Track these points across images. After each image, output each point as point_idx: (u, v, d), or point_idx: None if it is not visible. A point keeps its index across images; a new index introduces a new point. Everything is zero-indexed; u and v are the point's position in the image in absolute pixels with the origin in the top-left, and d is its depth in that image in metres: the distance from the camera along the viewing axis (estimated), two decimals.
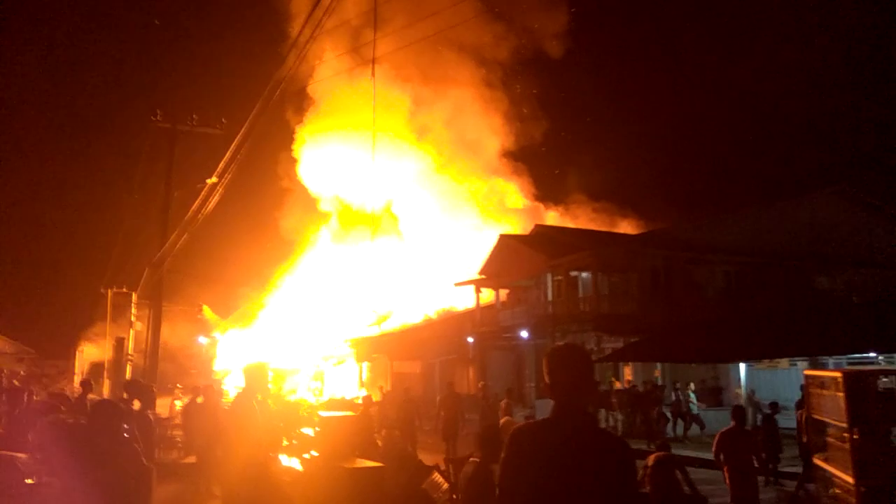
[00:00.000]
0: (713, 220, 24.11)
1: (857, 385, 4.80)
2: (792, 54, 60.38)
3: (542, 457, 2.23)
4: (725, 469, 6.18)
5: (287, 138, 37.46)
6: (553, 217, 35.51)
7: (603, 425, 18.29)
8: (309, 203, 37.46)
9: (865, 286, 24.23)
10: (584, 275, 24.37)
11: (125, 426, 4.62)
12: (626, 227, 33.53)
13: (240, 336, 35.82)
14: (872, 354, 15.89)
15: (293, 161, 37.45)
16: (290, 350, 29.55)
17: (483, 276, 28.11)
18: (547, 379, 2.45)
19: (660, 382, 19.57)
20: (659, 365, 20.43)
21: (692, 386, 18.41)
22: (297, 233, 37.86)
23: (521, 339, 24.11)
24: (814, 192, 24.74)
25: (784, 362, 19.55)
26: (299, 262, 37.19)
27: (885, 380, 4.88)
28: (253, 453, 5.74)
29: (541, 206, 37.38)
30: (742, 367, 18.26)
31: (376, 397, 18.30)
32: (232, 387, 23.97)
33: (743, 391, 18.01)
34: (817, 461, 5.53)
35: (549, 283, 25.24)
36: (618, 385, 19.66)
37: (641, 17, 66.14)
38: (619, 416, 18.37)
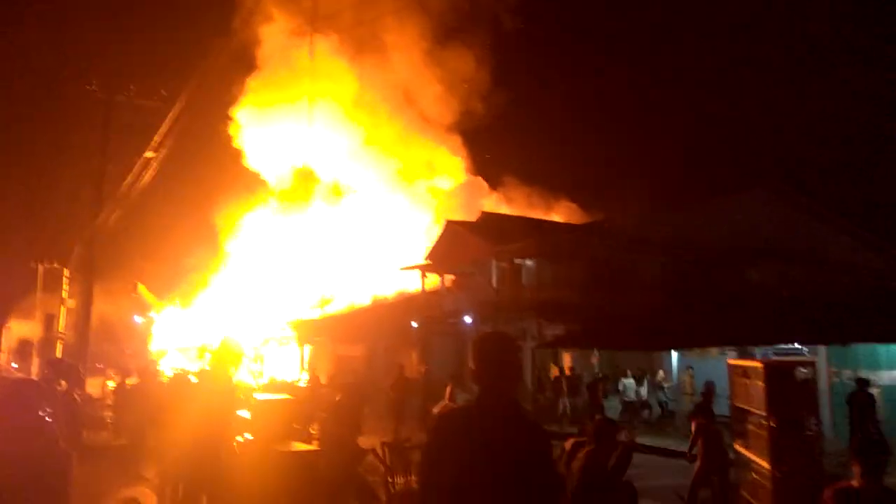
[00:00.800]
0: (652, 214, 24.76)
1: (777, 375, 5.02)
2: (733, 52, 62.18)
3: (463, 442, 2.24)
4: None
5: (228, 112, 36.32)
6: (492, 201, 35.59)
7: (560, 411, 18.78)
8: (251, 180, 36.59)
9: (793, 280, 25.35)
10: (528, 262, 24.68)
11: (47, 408, 4.44)
12: (563, 214, 34.05)
13: (177, 316, 34.92)
14: (798, 346, 16.61)
15: (235, 136, 36.41)
16: (230, 331, 29.03)
17: (429, 262, 28.15)
18: (473, 365, 2.47)
19: (597, 370, 20.09)
20: (596, 352, 20.93)
21: (628, 373, 18.97)
22: (238, 211, 36.95)
23: (464, 324, 24.28)
24: (747, 190, 25.62)
25: (714, 351, 20.31)
26: (240, 241, 36.40)
27: (803, 371, 5.11)
28: (203, 433, 5.61)
29: (482, 181, 37.20)
30: (674, 355, 18.88)
31: (321, 379, 18.20)
32: (168, 368, 23.40)
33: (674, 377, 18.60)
34: (738, 447, 5.77)
35: (494, 270, 25.48)
36: (555, 372, 20.07)
37: (590, 2, 66.80)
38: (568, 401, 18.80)
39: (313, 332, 28.93)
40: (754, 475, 5.36)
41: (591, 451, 4.72)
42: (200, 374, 7.39)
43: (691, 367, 18.38)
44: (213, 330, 28.57)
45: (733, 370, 5.82)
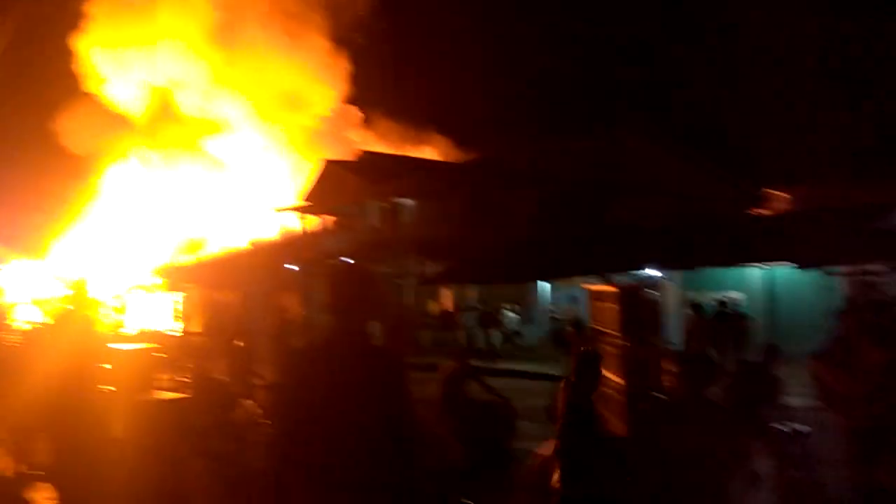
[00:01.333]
0: (526, 150, 25.38)
1: (628, 297, 5.36)
2: None
3: (316, 376, 2.21)
4: None
5: (73, 38, 32.64)
6: (368, 139, 35.02)
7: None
8: (108, 116, 33.50)
9: (653, 212, 27.15)
10: (407, 201, 24.74)
11: None
12: (438, 151, 34.19)
13: (30, 266, 32.09)
14: (656, 273, 17.84)
15: (84, 63, 32.85)
16: (91, 280, 27.06)
17: (307, 203, 27.49)
18: (327, 299, 2.42)
19: (475, 303, 20.71)
20: (473, 287, 21.56)
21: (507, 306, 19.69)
22: (96, 149, 33.87)
23: (345, 264, 24.11)
24: (614, 127, 26.83)
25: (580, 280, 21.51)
26: (100, 182, 33.65)
27: (650, 292, 5.49)
28: (63, 383, 5.28)
29: (355, 111, 36.36)
30: (547, 286, 19.81)
31: (195, 328, 17.52)
32: (23, 321, 21.54)
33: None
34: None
35: (374, 210, 25.35)
36: (435, 308, 20.48)
37: None
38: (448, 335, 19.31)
39: (185, 278, 27.62)
40: (609, 391, 5.76)
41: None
42: (57, 321, 6.87)
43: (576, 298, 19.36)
44: (71, 279, 26.56)
45: (590, 295, 6.16)
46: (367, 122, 36.83)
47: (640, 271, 17.33)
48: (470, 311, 21.09)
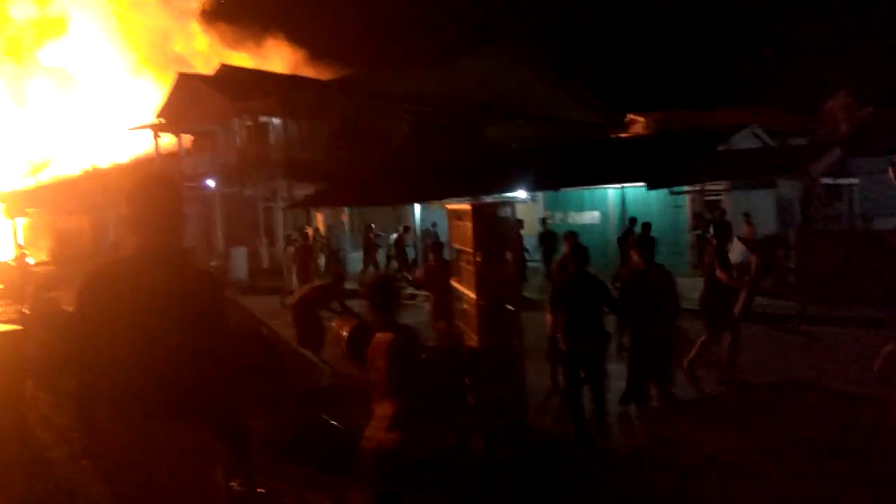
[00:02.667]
0: (397, 71, 24.82)
1: (482, 215, 5.49)
2: None
3: (122, 293, 2.08)
4: None
5: None
6: (233, 55, 32.98)
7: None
8: None
9: (521, 136, 27.81)
10: (274, 120, 23.63)
11: None
12: (310, 70, 32.89)
13: None
14: (524, 195, 18.42)
15: None
16: None
17: (162, 120, 25.53)
18: (128, 214, 2.25)
19: (346, 227, 20.50)
20: (346, 210, 21.28)
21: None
22: None
23: (207, 188, 22.89)
24: (484, 49, 26.78)
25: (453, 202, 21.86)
26: None
27: (503, 211, 5.65)
28: None
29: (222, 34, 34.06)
30: (418, 208, 19.89)
31: (40, 256, 16.11)
32: None
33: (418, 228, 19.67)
34: (453, 283, 6.33)
35: (238, 129, 24.02)
36: (310, 231, 19.97)
37: None
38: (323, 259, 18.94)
39: (27, 203, 25.15)
40: (465, 305, 5.95)
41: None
42: None
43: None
44: None
45: (450, 214, 6.25)
46: (239, 39, 34.47)
47: (509, 192, 17.88)
48: (342, 233, 20.88)
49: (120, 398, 2.03)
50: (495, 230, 5.55)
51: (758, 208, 15.62)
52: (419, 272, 7.96)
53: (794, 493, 3.24)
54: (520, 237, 14.99)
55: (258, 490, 2.27)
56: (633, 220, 13.58)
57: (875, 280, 9.04)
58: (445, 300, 6.97)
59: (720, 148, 14.22)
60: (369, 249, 17.43)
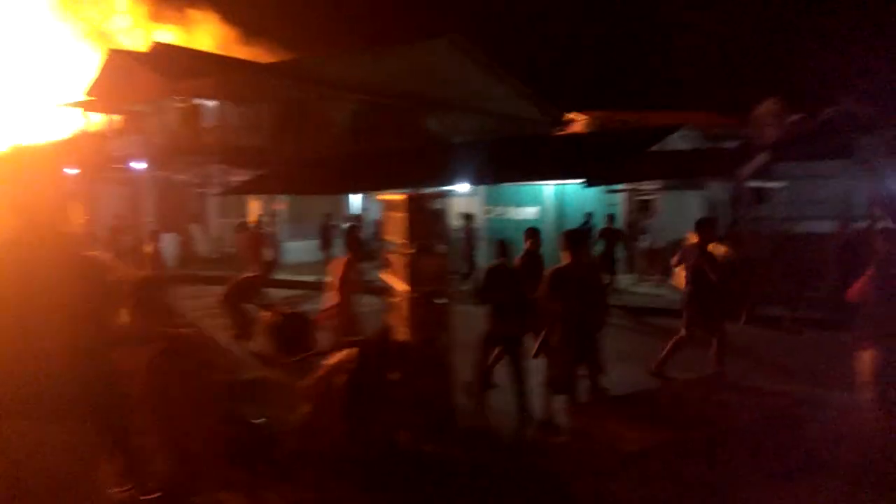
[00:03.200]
0: (342, 58, 24.40)
1: (416, 206, 5.40)
2: None
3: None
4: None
5: None
6: (170, 33, 31.77)
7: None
8: None
9: (465, 128, 27.82)
10: (209, 103, 22.86)
11: None
12: (254, 54, 32.01)
13: None
14: (465, 188, 18.39)
15: None
16: None
17: (91, 98, 24.36)
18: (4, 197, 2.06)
19: (282, 216, 20.04)
20: (283, 198, 20.81)
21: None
22: None
23: (136, 171, 21.98)
24: (431, 40, 26.60)
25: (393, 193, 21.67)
26: None
27: (436, 202, 5.57)
28: None
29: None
30: (359, 199, 19.68)
31: None
32: None
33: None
34: (382, 276, 6.22)
35: (172, 111, 23.13)
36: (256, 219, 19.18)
37: None
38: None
39: None
40: (395, 298, 5.85)
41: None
42: None
43: None
44: None
45: (384, 205, 6.13)
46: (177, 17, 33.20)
47: (449, 185, 17.84)
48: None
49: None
50: (429, 222, 5.47)
51: (688, 209, 16.08)
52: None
53: (704, 486, 3.30)
54: (472, 231, 15.14)
55: (149, 496, 2.12)
56: (589, 215, 13.79)
57: (793, 280, 9.40)
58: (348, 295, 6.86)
59: (654, 149, 14.54)
60: (328, 240, 16.76)
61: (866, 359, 4.25)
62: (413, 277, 5.47)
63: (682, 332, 6.89)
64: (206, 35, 33.33)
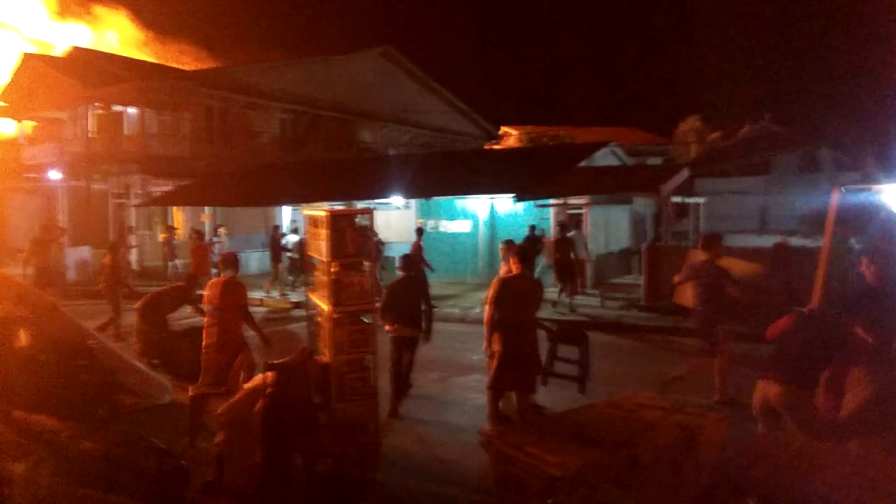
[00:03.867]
0: (271, 66, 23.88)
1: (339, 223, 5.22)
2: None
3: None
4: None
5: None
6: (91, 37, 30.44)
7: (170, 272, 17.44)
8: None
9: (400, 141, 27.71)
10: (130, 110, 21.91)
11: None
12: (180, 62, 31.05)
13: None
14: (400, 202, 18.23)
15: None
16: None
17: (2, 103, 22.98)
18: None
19: (208, 227, 19.36)
20: (208, 210, 20.10)
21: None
22: None
23: (50, 180, 20.79)
24: (363, 51, 26.42)
25: (324, 206, 21.29)
26: None
27: (362, 218, 5.41)
28: None
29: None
30: (287, 210, 19.21)
31: None
32: None
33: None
34: (309, 294, 6.00)
35: (89, 118, 22.03)
36: (164, 235, 18.45)
37: None
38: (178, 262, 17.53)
39: None
40: (318, 318, 5.65)
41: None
42: None
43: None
44: None
45: (308, 220, 5.92)
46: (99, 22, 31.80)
47: (382, 198, 17.65)
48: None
49: None
50: (353, 239, 5.29)
51: (615, 223, 16.45)
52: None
53: None
54: (421, 248, 14.92)
55: None
56: (532, 227, 13.82)
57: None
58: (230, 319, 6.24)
59: (582, 164, 14.79)
60: (276, 253, 15.96)
61: (771, 392, 4.27)
62: (335, 296, 5.28)
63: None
64: (126, 39, 32.07)
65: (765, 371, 4.41)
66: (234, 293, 6.06)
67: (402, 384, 6.87)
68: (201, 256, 14.58)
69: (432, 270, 12.53)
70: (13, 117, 23.45)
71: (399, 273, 7.21)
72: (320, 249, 5.48)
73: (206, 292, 6.11)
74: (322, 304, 5.53)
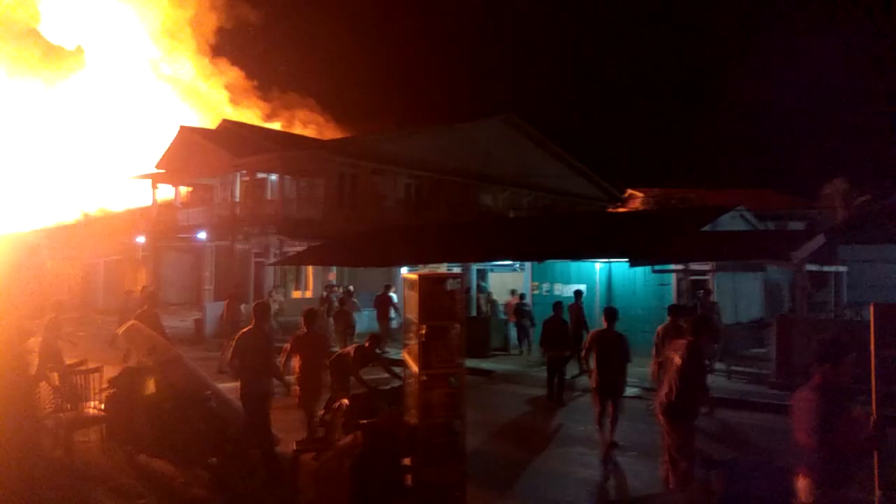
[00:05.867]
0: (398, 134, 25.17)
1: (428, 286, 5.32)
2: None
3: None
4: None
5: None
6: (236, 110, 33.64)
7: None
8: None
9: (520, 203, 27.94)
10: (271, 177, 23.83)
11: None
12: (312, 130, 33.47)
13: None
14: (514, 263, 18.28)
15: None
16: None
17: (162, 171, 25.81)
18: None
19: (335, 284, 20.28)
20: (335, 269, 21.14)
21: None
22: None
23: (200, 240, 22.88)
24: (486, 119, 27.17)
25: (443, 268, 21.72)
26: None
27: (452, 282, 5.48)
28: None
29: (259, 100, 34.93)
30: (405, 271, 19.74)
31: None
32: None
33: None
34: (404, 354, 6.10)
35: (237, 184, 24.22)
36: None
37: None
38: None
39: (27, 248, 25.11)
40: (410, 379, 5.72)
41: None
42: None
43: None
44: None
45: (405, 283, 6.08)
46: (243, 95, 35.31)
47: (495, 261, 17.79)
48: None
49: None
50: (442, 302, 5.36)
51: (745, 291, 15.43)
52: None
53: None
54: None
55: None
56: (578, 293, 13.22)
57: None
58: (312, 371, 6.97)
59: (706, 228, 14.14)
60: (383, 311, 16.40)
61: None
62: (423, 358, 5.34)
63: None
64: (273, 113, 35.13)
65: None
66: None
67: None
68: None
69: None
70: (171, 183, 26.19)
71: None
72: (413, 311, 5.61)
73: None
74: (412, 364, 5.61)
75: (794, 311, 13.05)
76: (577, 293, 13.18)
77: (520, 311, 15.35)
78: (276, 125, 31.80)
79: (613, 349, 7.52)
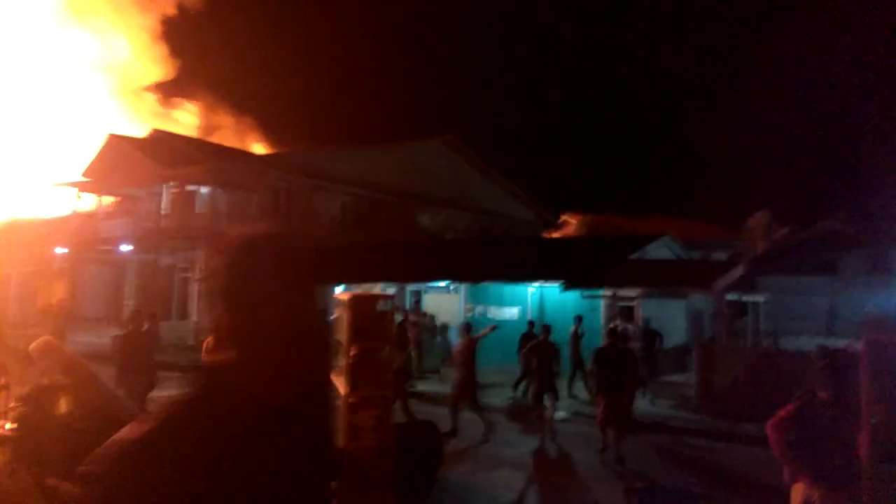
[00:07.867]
0: (335, 151, 24.98)
1: (358, 307, 5.24)
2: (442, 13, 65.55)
3: None
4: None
5: None
6: (168, 120, 32.70)
7: None
8: None
9: (457, 225, 28.11)
10: (202, 190, 23.16)
11: None
12: (250, 145, 32.86)
13: None
14: (449, 284, 18.29)
15: None
16: None
17: (87, 179, 24.72)
18: None
19: None
20: None
21: None
22: None
23: (122, 252, 21.95)
24: (426, 139, 27.34)
25: (378, 287, 21.52)
26: None
27: (383, 303, 5.41)
28: None
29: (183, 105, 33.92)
30: (340, 290, 19.49)
31: None
32: None
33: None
34: (333, 377, 5.96)
35: (165, 195, 23.39)
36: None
37: None
38: None
39: None
40: (338, 402, 5.59)
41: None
42: None
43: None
44: None
45: (337, 303, 5.97)
46: (174, 102, 34.34)
47: (430, 282, 17.77)
48: None
49: None
50: (373, 323, 5.29)
51: (670, 318, 15.93)
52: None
53: None
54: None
55: None
56: (579, 318, 13.14)
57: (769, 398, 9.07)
58: None
59: (634, 256, 14.56)
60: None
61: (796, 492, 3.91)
62: (352, 381, 5.24)
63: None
64: (210, 126, 34.30)
65: None
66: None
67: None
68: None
69: None
70: (96, 192, 25.09)
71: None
72: (343, 332, 5.50)
73: None
74: (341, 387, 5.49)
75: (715, 338, 13.56)
76: (578, 318, 12.83)
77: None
78: (210, 138, 30.99)
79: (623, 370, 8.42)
